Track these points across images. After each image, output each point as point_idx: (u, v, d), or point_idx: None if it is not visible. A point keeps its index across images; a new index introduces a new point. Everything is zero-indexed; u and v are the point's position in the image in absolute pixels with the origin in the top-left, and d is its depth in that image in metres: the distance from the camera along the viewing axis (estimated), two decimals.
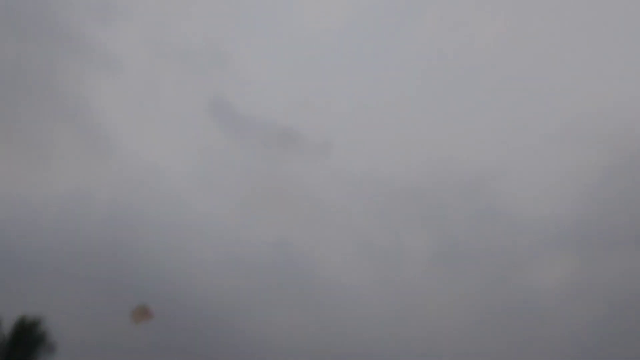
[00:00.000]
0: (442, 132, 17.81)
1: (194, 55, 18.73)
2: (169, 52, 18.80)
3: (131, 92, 17.92)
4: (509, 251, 18.28)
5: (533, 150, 17.07)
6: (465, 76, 18.03)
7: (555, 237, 18.22)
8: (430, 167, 18.39)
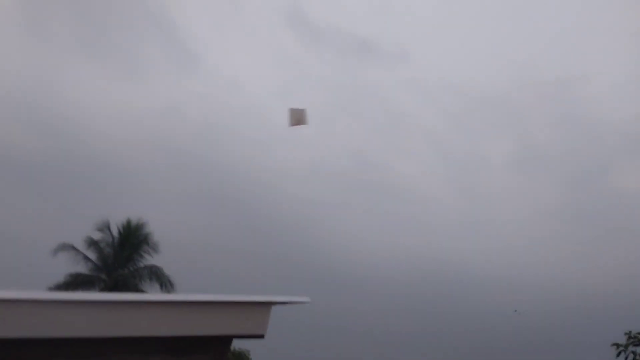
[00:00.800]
0: (518, 39, 17.09)
1: None
2: None
3: (213, 6, 18.24)
4: (590, 155, 17.86)
5: (615, 53, 16.16)
6: None
7: (637, 139, 17.55)
8: (510, 72, 17.82)
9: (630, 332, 3.04)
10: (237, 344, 9.46)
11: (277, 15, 18.44)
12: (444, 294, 17.79)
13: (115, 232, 9.71)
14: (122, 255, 9.49)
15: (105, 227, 9.81)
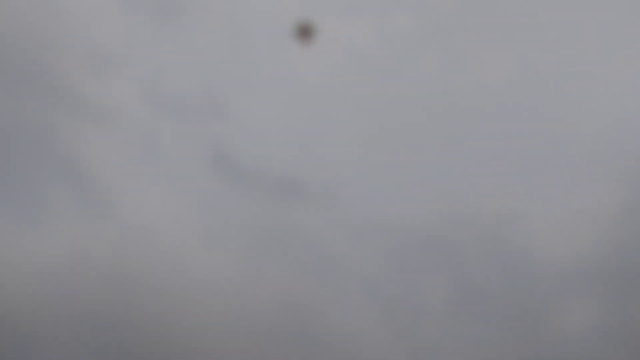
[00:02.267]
0: (451, 176, 16.81)
1: (191, 108, 18.07)
2: (166, 105, 18.10)
3: (128, 147, 17.08)
4: (530, 294, 17.08)
5: (549, 189, 16.16)
6: (474, 116, 17.14)
7: (578, 277, 16.95)
8: (442, 212, 17.20)
9: None
10: None
11: (199, 156, 17.66)
12: None
13: None
14: None
15: None
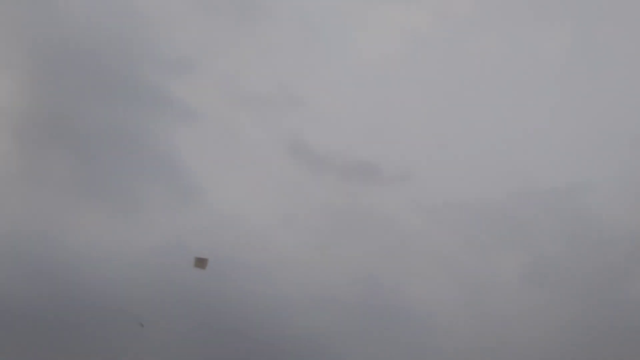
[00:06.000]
0: (520, 152, 17.11)
1: (269, 101, 19.14)
2: (245, 100, 19.32)
3: (212, 141, 18.47)
4: (599, 263, 17.22)
5: (616, 160, 16.04)
6: (541, 88, 17.28)
7: None
8: (514, 186, 17.65)
9: None
10: None
11: (277, 145, 18.62)
12: None
13: None
14: None
15: None
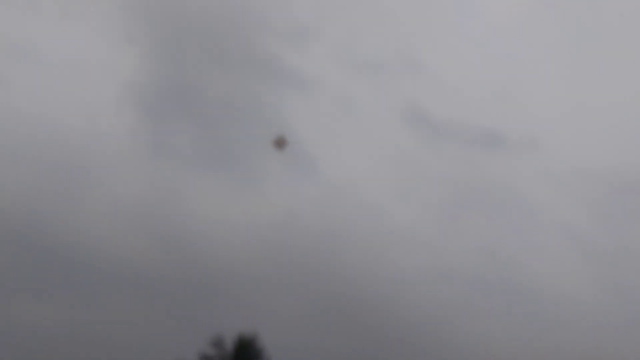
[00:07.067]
0: None
1: (385, 67, 18.63)
2: (361, 67, 18.96)
3: (328, 110, 18.38)
4: None
5: None
6: None
7: None
8: None
9: None
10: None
11: (393, 113, 18.23)
12: None
13: (229, 347, 9.43)
14: None
15: (219, 342, 9.61)
